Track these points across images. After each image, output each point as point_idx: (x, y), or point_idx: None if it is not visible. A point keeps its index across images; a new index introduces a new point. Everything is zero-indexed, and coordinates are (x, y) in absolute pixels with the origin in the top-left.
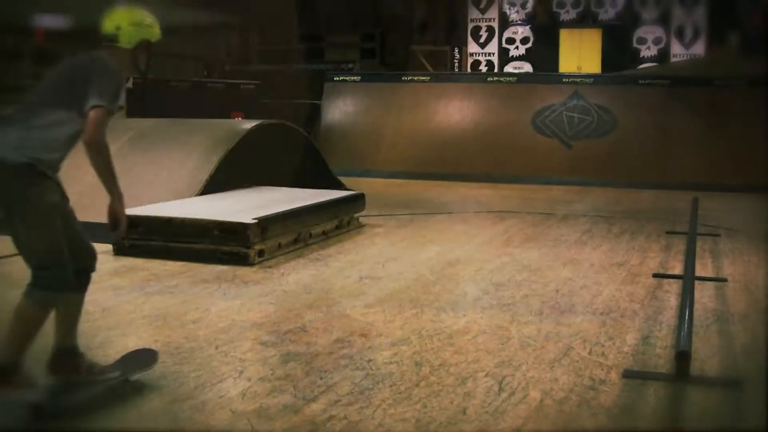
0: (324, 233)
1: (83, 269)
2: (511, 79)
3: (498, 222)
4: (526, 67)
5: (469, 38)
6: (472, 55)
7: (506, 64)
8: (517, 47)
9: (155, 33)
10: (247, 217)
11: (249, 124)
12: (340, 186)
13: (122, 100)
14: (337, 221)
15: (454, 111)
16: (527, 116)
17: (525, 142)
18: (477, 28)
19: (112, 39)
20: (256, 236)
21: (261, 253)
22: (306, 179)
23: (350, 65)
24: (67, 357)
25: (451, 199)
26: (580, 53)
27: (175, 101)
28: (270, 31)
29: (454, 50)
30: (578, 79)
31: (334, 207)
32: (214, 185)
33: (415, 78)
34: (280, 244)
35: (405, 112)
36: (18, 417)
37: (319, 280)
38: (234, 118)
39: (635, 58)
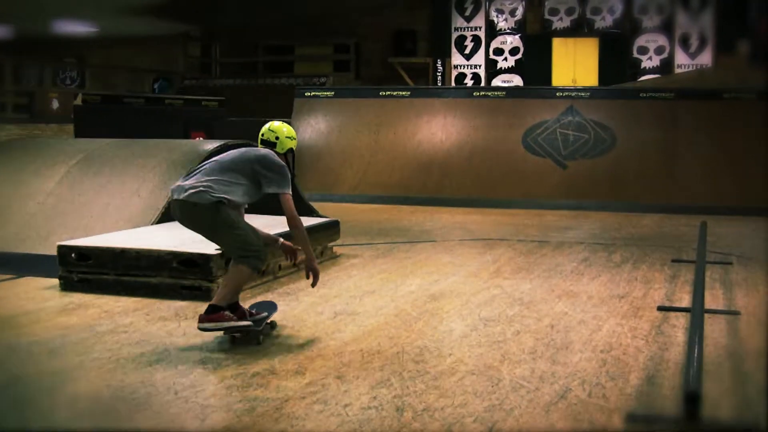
0: (295, 265)
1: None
2: (499, 93)
3: (486, 251)
4: (516, 80)
5: (453, 49)
6: (456, 67)
7: (494, 77)
8: (505, 59)
9: (295, 143)
10: (210, 248)
11: (211, 145)
12: (312, 213)
13: (288, 187)
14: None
15: (438, 129)
16: (518, 134)
17: (515, 163)
18: (462, 38)
19: (272, 145)
20: (219, 268)
21: None
22: (275, 205)
23: (322, 79)
24: (238, 307)
25: (435, 226)
26: (575, 65)
27: (129, 119)
28: (234, 42)
29: (436, 62)
30: (573, 93)
31: (311, 234)
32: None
33: (394, 93)
34: None
35: (383, 131)
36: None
37: (290, 317)
38: (194, 138)
39: (636, 69)
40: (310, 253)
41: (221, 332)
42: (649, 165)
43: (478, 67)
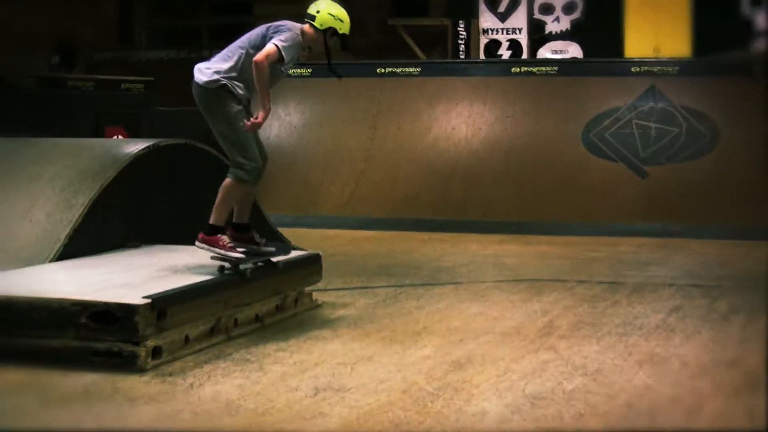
0: (258, 319)
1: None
2: (549, 69)
3: (533, 297)
4: (573, 50)
5: (482, 5)
6: (486, 32)
7: (541, 45)
8: (557, 19)
9: (343, 27)
10: (134, 295)
11: (135, 147)
12: (282, 243)
13: (289, 57)
14: (278, 300)
15: (460, 121)
16: (576, 128)
17: (573, 170)
18: None
19: (311, 18)
20: (148, 325)
21: (157, 351)
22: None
23: None
24: (245, 229)
25: (458, 261)
26: (657, 27)
27: (15, 109)
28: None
29: (457, 25)
30: (656, 68)
31: (274, 276)
32: (80, 244)
33: (398, 69)
34: (187, 338)
35: (383, 124)
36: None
37: (251, 394)
38: (111, 136)
39: (749, 31)
40: (265, 105)
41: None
42: None
43: (517, 31)
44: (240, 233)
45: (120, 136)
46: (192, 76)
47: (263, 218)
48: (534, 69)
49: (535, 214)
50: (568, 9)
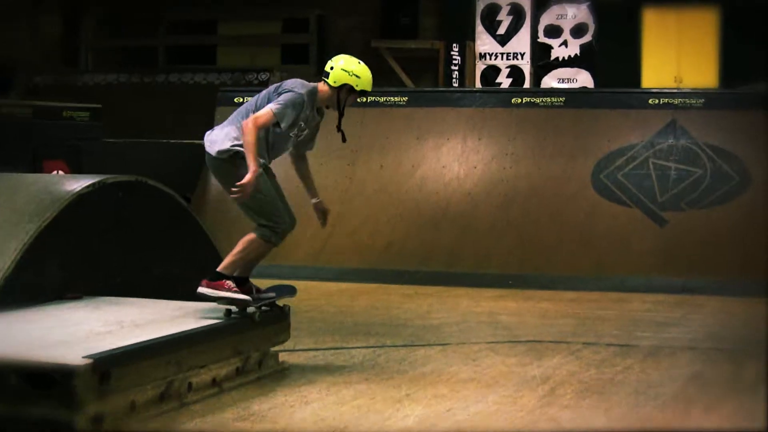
0: (216, 383)
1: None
2: (554, 100)
3: (532, 361)
4: (583, 79)
5: (479, 26)
6: (484, 57)
7: (546, 73)
8: (565, 43)
9: (360, 84)
10: (74, 354)
11: (78, 184)
12: (284, 285)
13: (286, 121)
14: (239, 361)
15: (452, 158)
16: (584, 168)
17: (581, 216)
18: (493, 8)
19: (326, 75)
20: (89, 389)
21: (98, 419)
22: (183, 283)
23: (264, 75)
24: (246, 282)
25: (447, 319)
26: (680, 53)
27: None
28: (117, 14)
29: (450, 48)
30: (677, 100)
31: (235, 334)
32: (12, 295)
33: (382, 99)
34: (134, 404)
35: (363, 161)
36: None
37: None
38: (50, 171)
39: None
40: (251, 165)
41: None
42: None
43: (519, 56)
44: (240, 286)
45: (61, 171)
46: (142, 100)
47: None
48: (537, 100)
49: (536, 266)
50: (577, 32)
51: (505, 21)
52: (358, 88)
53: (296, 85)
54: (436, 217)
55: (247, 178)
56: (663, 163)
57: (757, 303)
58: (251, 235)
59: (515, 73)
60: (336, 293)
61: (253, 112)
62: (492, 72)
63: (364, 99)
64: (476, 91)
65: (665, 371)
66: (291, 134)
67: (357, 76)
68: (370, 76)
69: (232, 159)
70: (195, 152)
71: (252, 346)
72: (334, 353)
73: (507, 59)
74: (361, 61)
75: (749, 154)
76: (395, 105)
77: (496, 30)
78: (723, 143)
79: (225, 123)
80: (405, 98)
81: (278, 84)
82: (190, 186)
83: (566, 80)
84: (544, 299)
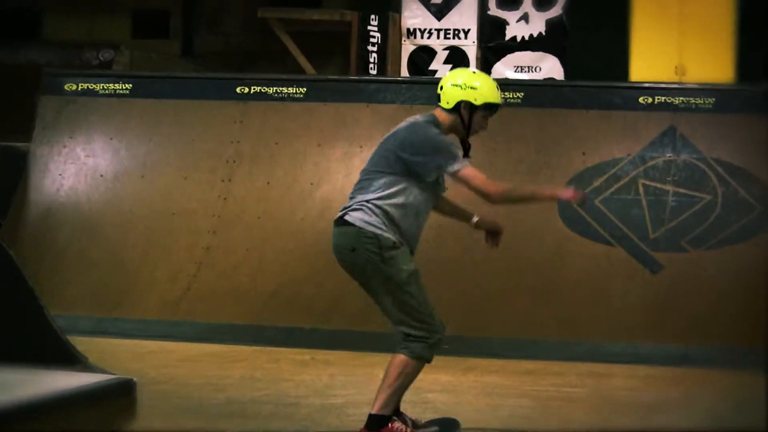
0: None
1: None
2: (510, 95)
3: None
4: (549, 67)
5: None
6: (412, 34)
7: (498, 58)
8: (525, 17)
9: (480, 96)
10: None
11: None
12: (72, 361)
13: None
14: None
15: None
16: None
17: (544, 256)
18: None
19: (438, 99)
20: None
21: None
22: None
23: (107, 53)
24: (400, 415)
25: (355, 396)
26: (682, 34)
27: None
28: None
29: (368, 22)
30: (678, 99)
31: (57, 415)
32: None
33: (271, 90)
34: None
35: (243, 175)
36: None
37: None
38: None
39: None
40: (539, 195)
41: None
42: None
43: (462, 34)
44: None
45: None
46: None
47: (45, 320)
48: None
49: (481, 326)
50: (541, 2)
51: None
52: (478, 102)
53: (422, 126)
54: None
55: (571, 193)
56: (658, 185)
57: None
58: (400, 358)
59: (456, 56)
60: (201, 358)
61: (375, 172)
62: (424, 55)
63: (244, 90)
64: (402, 81)
65: None
66: (434, 183)
67: (472, 88)
68: (493, 84)
69: (365, 246)
70: (11, 158)
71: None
72: None
73: (445, 38)
74: (477, 70)
75: None
76: (289, 98)
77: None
78: (739, 159)
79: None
80: (303, 89)
81: (390, 136)
82: (1, 207)
83: (526, 69)
84: (491, 371)
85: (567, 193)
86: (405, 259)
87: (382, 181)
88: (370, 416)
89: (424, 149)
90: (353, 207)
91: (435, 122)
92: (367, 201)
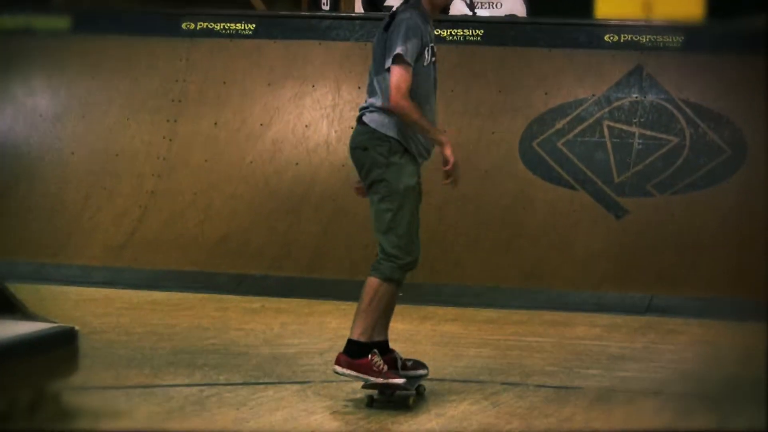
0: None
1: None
2: (469, 33)
3: (428, 408)
4: (510, 4)
5: None
6: None
7: None
8: None
9: None
10: None
11: None
12: (11, 309)
13: (417, 54)
14: (3, 404)
15: (319, 114)
16: (510, 132)
17: (503, 201)
18: None
19: None
20: None
21: None
22: None
23: None
24: (388, 348)
25: (308, 345)
26: None
27: None
28: None
29: None
30: (645, 38)
31: None
32: None
33: (218, 26)
34: None
35: (190, 116)
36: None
37: None
38: None
39: None
40: (432, 134)
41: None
42: None
43: None
44: (383, 355)
45: None
46: None
47: None
48: (444, 33)
49: (438, 273)
50: None
51: None
52: None
53: (400, 14)
54: (294, 199)
55: (446, 153)
56: (623, 127)
57: (753, 329)
58: (371, 280)
59: None
60: (146, 306)
61: (376, 75)
62: None
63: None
64: (356, 18)
65: (619, 425)
66: (430, 64)
67: None
68: None
69: (377, 147)
70: None
71: (21, 383)
72: (143, 393)
73: None
74: None
75: (746, 116)
76: (237, 35)
77: None
78: (709, 101)
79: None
80: (252, 25)
81: (385, 21)
82: None
83: (486, 4)
84: (449, 319)
85: (447, 153)
86: (408, 172)
87: (385, 84)
88: (349, 341)
89: (392, 35)
90: (370, 109)
91: (416, 1)
92: (381, 105)
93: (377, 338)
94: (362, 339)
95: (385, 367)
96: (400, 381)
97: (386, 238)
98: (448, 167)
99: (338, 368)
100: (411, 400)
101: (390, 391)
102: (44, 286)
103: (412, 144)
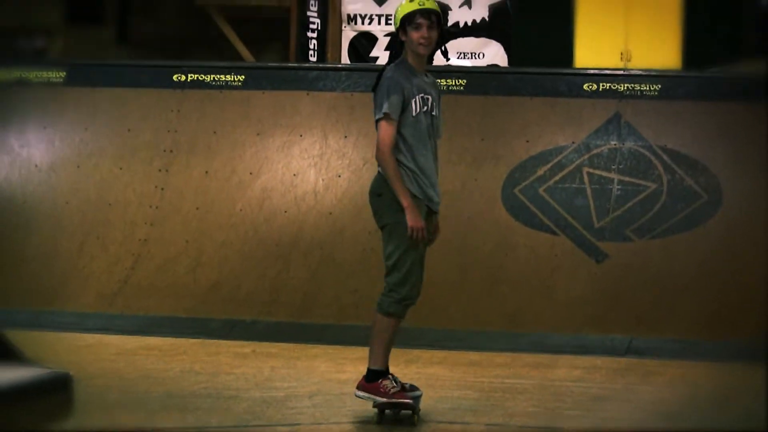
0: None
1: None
2: (452, 82)
3: None
4: (492, 54)
5: None
6: (353, 20)
7: (441, 43)
8: (468, 2)
9: (396, 18)
10: None
11: None
12: (8, 354)
13: (399, 109)
14: None
15: (307, 163)
16: (492, 179)
17: (486, 246)
18: None
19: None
20: None
21: None
22: None
23: (39, 41)
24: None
25: (297, 389)
26: (627, 19)
27: None
28: None
29: (307, 6)
30: (623, 86)
31: None
32: None
33: (209, 78)
34: None
35: (181, 165)
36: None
37: None
38: None
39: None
40: (398, 194)
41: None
42: None
43: None
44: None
45: None
46: None
47: None
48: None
49: (423, 317)
50: None
51: None
52: (397, 23)
53: (386, 71)
54: (283, 246)
55: (408, 217)
56: (602, 173)
57: (731, 370)
58: (375, 316)
59: (398, 43)
60: (140, 352)
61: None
62: (365, 41)
63: (181, 77)
64: (342, 69)
65: None
66: (420, 113)
67: (395, 16)
68: None
69: (379, 190)
70: None
71: (16, 427)
72: None
73: (386, 23)
74: None
75: (722, 162)
76: (227, 86)
77: None
78: (686, 147)
79: None
80: (241, 77)
81: (375, 82)
82: None
83: (469, 55)
84: (434, 362)
85: (407, 217)
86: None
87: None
88: (368, 369)
89: (377, 94)
90: None
91: (401, 60)
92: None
93: (385, 364)
94: (373, 366)
95: (394, 390)
96: (406, 401)
97: (391, 275)
98: (407, 232)
99: (356, 391)
100: (416, 418)
101: (397, 410)
102: (40, 333)
103: (422, 191)
